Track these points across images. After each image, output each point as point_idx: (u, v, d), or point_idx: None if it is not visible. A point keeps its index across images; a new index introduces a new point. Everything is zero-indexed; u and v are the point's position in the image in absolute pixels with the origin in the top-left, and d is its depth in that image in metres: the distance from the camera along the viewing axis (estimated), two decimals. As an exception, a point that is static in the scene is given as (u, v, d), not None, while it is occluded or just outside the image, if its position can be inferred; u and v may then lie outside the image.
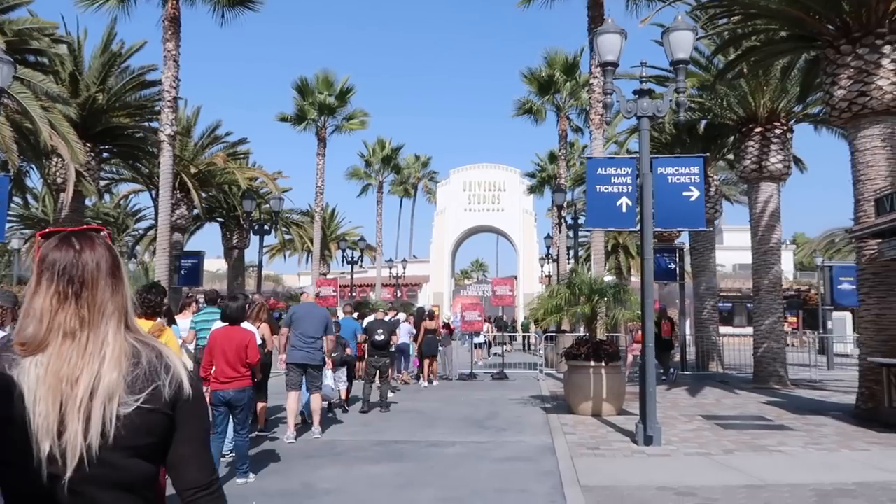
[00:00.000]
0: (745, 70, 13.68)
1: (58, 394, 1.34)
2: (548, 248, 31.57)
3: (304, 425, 9.48)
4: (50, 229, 1.51)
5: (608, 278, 13.18)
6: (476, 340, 19.81)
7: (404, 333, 15.87)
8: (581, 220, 20.84)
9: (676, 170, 8.87)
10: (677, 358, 18.87)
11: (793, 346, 28.42)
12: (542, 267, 42.25)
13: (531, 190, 41.79)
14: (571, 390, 11.37)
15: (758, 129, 16.50)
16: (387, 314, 14.79)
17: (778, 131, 16.42)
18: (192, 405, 1.47)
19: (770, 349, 16.30)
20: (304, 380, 9.00)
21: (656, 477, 6.86)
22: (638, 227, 8.82)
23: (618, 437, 9.16)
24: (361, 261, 36.31)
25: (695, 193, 8.80)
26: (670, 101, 8.88)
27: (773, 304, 16.50)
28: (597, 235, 14.83)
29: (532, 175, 40.74)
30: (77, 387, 1.35)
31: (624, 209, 8.91)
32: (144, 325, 3.86)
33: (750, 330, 32.99)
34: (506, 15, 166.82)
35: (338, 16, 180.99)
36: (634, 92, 9.09)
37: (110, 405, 1.35)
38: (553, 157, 38.97)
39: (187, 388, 1.47)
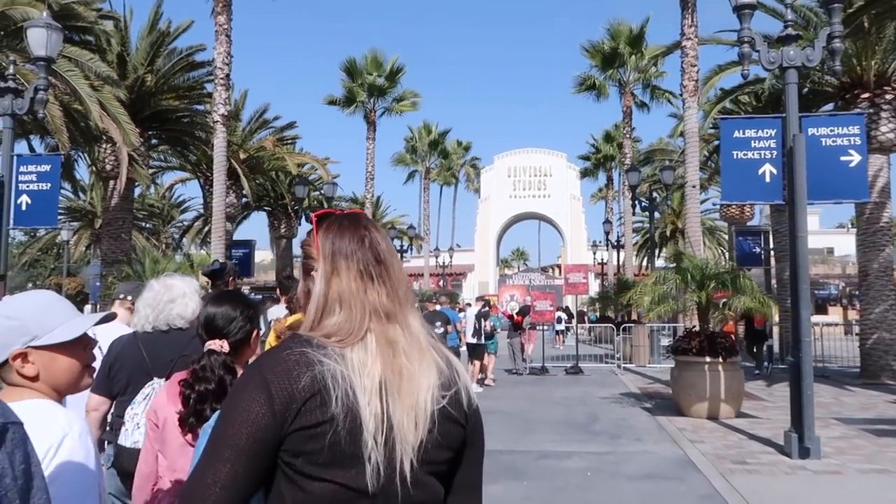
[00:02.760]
0: (865, 24, 12.00)
1: (390, 385, 1.17)
2: (606, 233, 30.01)
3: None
4: (324, 210, 1.37)
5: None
6: (557, 328, 18.55)
7: (471, 323, 14.71)
8: (656, 199, 19.35)
9: (832, 130, 7.44)
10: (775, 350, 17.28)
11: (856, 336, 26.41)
12: (594, 254, 40.69)
13: (584, 173, 40.12)
14: (682, 389, 10.02)
15: (865, 95, 14.76)
16: (441, 305, 13.62)
17: (889, 97, 14.67)
18: (479, 420, 1.31)
19: (881, 340, 14.66)
20: None
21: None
22: (785, 200, 7.41)
23: (758, 446, 7.82)
24: (410, 250, 35.31)
25: (855, 158, 7.37)
26: (823, 47, 7.43)
27: (883, 291, 14.83)
28: (692, 216, 13.38)
29: (586, 158, 39.03)
30: (406, 380, 1.18)
31: (767, 178, 7.51)
32: (295, 318, 3.15)
33: (829, 318, 31.05)
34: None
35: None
36: (777, 39, 7.67)
37: (431, 410, 1.18)
38: (609, 138, 37.32)
39: (473, 398, 1.29)
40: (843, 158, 7.37)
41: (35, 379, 1.47)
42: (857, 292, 42.27)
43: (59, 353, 1.48)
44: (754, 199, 8.73)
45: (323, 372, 1.16)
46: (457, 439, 1.25)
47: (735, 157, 7.59)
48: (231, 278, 4.70)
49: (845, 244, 53.36)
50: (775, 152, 7.55)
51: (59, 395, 1.51)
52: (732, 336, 13.40)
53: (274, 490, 1.20)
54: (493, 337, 14.62)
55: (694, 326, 10.41)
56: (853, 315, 40.42)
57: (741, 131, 7.65)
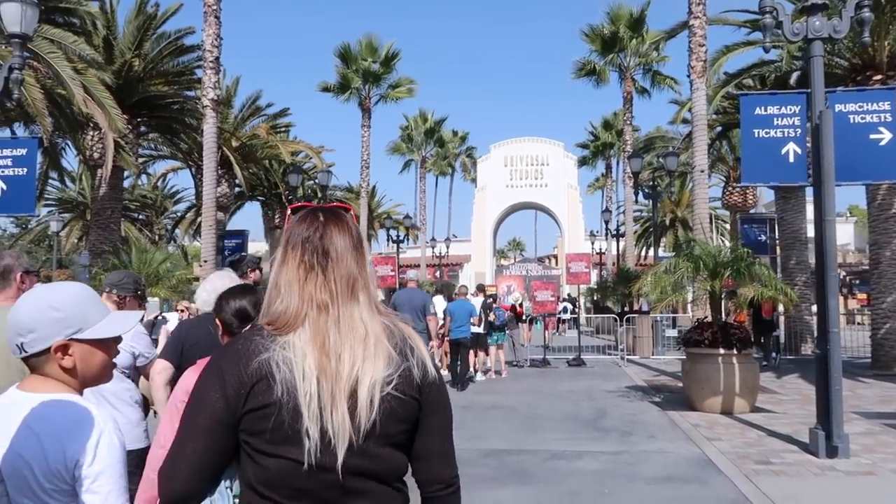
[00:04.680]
0: (881, 1, 11.50)
1: (324, 370, 1.27)
2: (606, 222, 29.52)
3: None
4: (299, 204, 1.48)
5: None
6: (563, 316, 18.11)
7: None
8: (658, 187, 18.87)
9: (860, 106, 6.96)
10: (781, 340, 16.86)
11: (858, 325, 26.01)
12: (592, 244, 40.28)
13: (583, 161, 39.53)
14: (694, 383, 9.57)
15: (878, 77, 14.26)
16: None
17: (880, 87, 14.15)
18: (437, 391, 1.39)
19: (893, 330, 14.23)
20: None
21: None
22: (811, 181, 6.93)
23: (780, 444, 7.37)
24: (406, 240, 34.81)
25: (886, 136, 6.89)
26: (851, 17, 6.93)
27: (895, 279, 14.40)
28: (700, 202, 12.88)
29: (584, 146, 38.46)
30: (341, 364, 1.28)
31: (791, 158, 7.03)
32: None
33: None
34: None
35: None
36: (802, 10, 7.17)
37: (374, 390, 1.27)
38: (608, 125, 36.78)
39: (432, 371, 1.38)
40: (872, 136, 6.90)
41: (70, 371, 1.49)
42: (857, 281, 41.87)
43: (97, 348, 1.52)
44: (777, 181, 8.25)
45: (269, 358, 1.27)
46: (410, 412, 1.34)
47: (756, 135, 7.10)
48: (251, 269, 4.51)
49: (842, 233, 53.09)
50: (799, 130, 7.07)
51: (84, 388, 1.54)
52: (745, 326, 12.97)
53: (241, 465, 1.33)
54: (503, 329, 14.19)
55: (706, 317, 9.94)
56: (853, 304, 40.15)
57: (763, 108, 7.16)
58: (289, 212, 1.45)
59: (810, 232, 23.58)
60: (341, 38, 34.63)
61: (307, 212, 1.42)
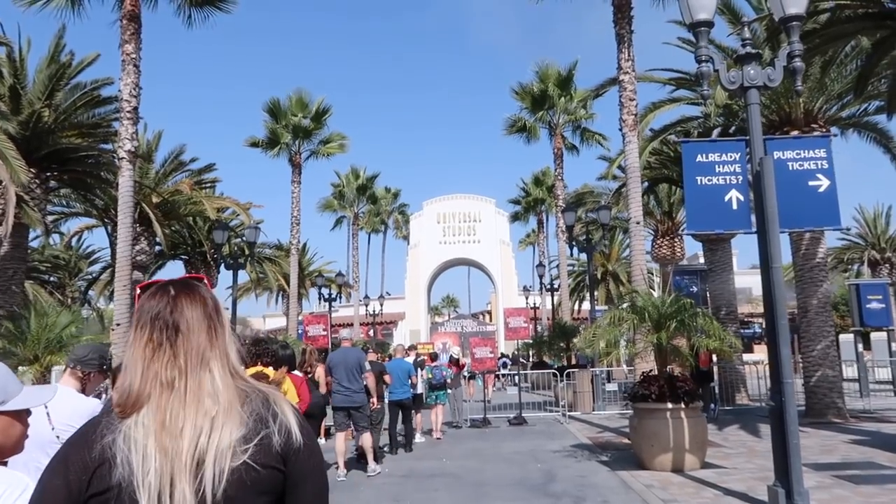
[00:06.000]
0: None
1: (164, 449, 1.23)
2: (540, 276, 29.58)
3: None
4: (149, 281, 1.46)
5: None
6: (502, 372, 17.59)
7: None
8: (593, 240, 18.95)
9: (798, 153, 6.98)
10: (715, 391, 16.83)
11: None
12: (526, 298, 40.38)
13: (515, 217, 39.92)
14: (642, 439, 9.20)
15: (794, 133, 14.90)
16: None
17: (817, 134, 14.84)
18: (305, 458, 1.32)
19: (825, 378, 14.45)
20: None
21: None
22: (755, 229, 6.81)
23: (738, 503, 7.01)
24: (339, 298, 33.89)
25: (824, 183, 6.90)
26: (784, 66, 7.01)
27: (824, 327, 14.72)
28: (637, 253, 12.84)
29: (516, 202, 38.91)
30: (181, 440, 1.24)
31: (734, 205, 6.94)
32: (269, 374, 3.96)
33: (756, 356, 31.53)
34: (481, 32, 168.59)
35: (292, 36, 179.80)
36: (736, 59, 7.22)
37: (222, 462, 1.22)
38: (538, 182, 37.45)
39: (297, 436, 1.31)
40: (811, 183, 6.90)
41: None
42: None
43: (16, 420, 1.59)
44: (722, 228, 8.17)
45: (112, 441, 1.24)
46: (271, 483, 1.28)
47: (699, 182, 6.99)
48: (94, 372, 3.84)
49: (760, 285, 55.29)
50: (741, 177, 7.01)
51: (1, 458, 1.59)
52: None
53: None
54: (443, 388, 13.63)
55: (651, 370, 9.67)
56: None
57: (704, 155, 7.08)
58: (138, 290, 1.43)
59: (743, 282, 24.23)
60: (270, 92, 34.12)
61: (157, 287, 1.41)
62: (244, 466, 1.24)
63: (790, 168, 6.93)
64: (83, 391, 3.29)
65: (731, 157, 7.03)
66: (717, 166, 7.00)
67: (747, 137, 6.97)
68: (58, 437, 2.99)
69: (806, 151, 6.96)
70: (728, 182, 6.96)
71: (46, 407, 2.87)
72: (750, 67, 6.98)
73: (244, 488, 1.23)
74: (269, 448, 1.27)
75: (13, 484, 1.49)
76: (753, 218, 6.94)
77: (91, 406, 3.10)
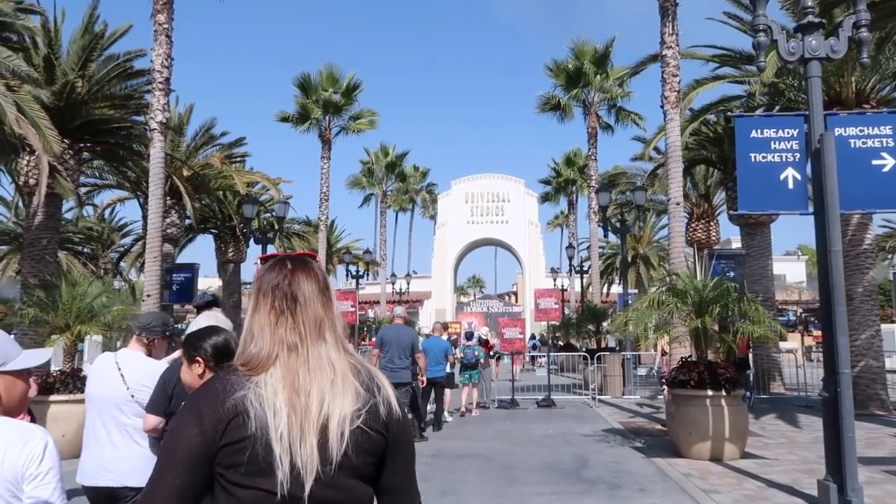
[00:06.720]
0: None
1: (294, 406, 1.35)
2: (570, 258, 29.15)
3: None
4: (268, 254, 1.56)
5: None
6: (533, 353, 17.40)
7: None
8: (627, 221, 18.50)
9: (861, 130, 6.53)
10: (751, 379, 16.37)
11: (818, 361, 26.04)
12: (553, 280, 39.94)
13: (545, 197, 39.35)
14: (680, 427, 8.90)
15: (843, 114, 14.22)
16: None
17: (885, 110, 14.15)
18: (402, 427, 1.47)
19: (868, 368, 13.94)
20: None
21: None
22: (811, 210, 6.42)
23: (785, 497, 6.71)
24: (366, 276, 33.86)
25: (889, 162, 6.46)
26: (849, 37, 6.55)
27: (869, 316, 14.18)
28: (676, 235, 12.42)
29: (547, 182, 38.33)
30: (310, 400, 1.36)
31: (790, 184, 6.54)
32: None
33: (789, 345, 30.79)
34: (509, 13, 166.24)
35: (322, 14, 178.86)
36: (797, 28, 6.77)
37: (343, 424, 1.35)
38: (570, 162, 36.82)
39: (396, 408, 1.46)
40: (874, 162, 6.46)
41: None
42: (813, 318, 42.44)
43: (18, 378, 1.75)
44: (776, 209, 7.75)
45: (243, 396, 1.35)
46: (377, 447, 1.41)
47: (753, 159, 6.59)
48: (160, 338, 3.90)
49: (796, 271, 54.13)
50: (798, 155, 6.59)
51: (6, 416, 1.70)
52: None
53: (214, 498, 1.39)
54: (476, 367, 13.50)
55: (689, 355, 9.33)
56: (809, 341, 40.58)
57: (759, 131, 6.66)
58: (258, 261, 1.57)
59: (776, 269, 23.53)
60: (299, 70, 33.84)
61: (276, 260, 1.52)
62: (359, 430, 1.36)
63: (852, 146, 6.49)
64: (149, 355, 3.52)
65: (788, 132, 6.61)
66: (772, 143, 6.59)
67: (806, 112, 6.56)
68: (132, 395, 3.30)
69: (870, 128, 6.51)
70: (784, 160, 6.55)
71: (121, 370, 3.33)
72: (811, 38, 6.52)
73: (358, 449, 1.36)
74: (377, 415, 1.40)
75: (33, 436, 1.63)
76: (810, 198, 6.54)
77: (159, 367, 3.30)
